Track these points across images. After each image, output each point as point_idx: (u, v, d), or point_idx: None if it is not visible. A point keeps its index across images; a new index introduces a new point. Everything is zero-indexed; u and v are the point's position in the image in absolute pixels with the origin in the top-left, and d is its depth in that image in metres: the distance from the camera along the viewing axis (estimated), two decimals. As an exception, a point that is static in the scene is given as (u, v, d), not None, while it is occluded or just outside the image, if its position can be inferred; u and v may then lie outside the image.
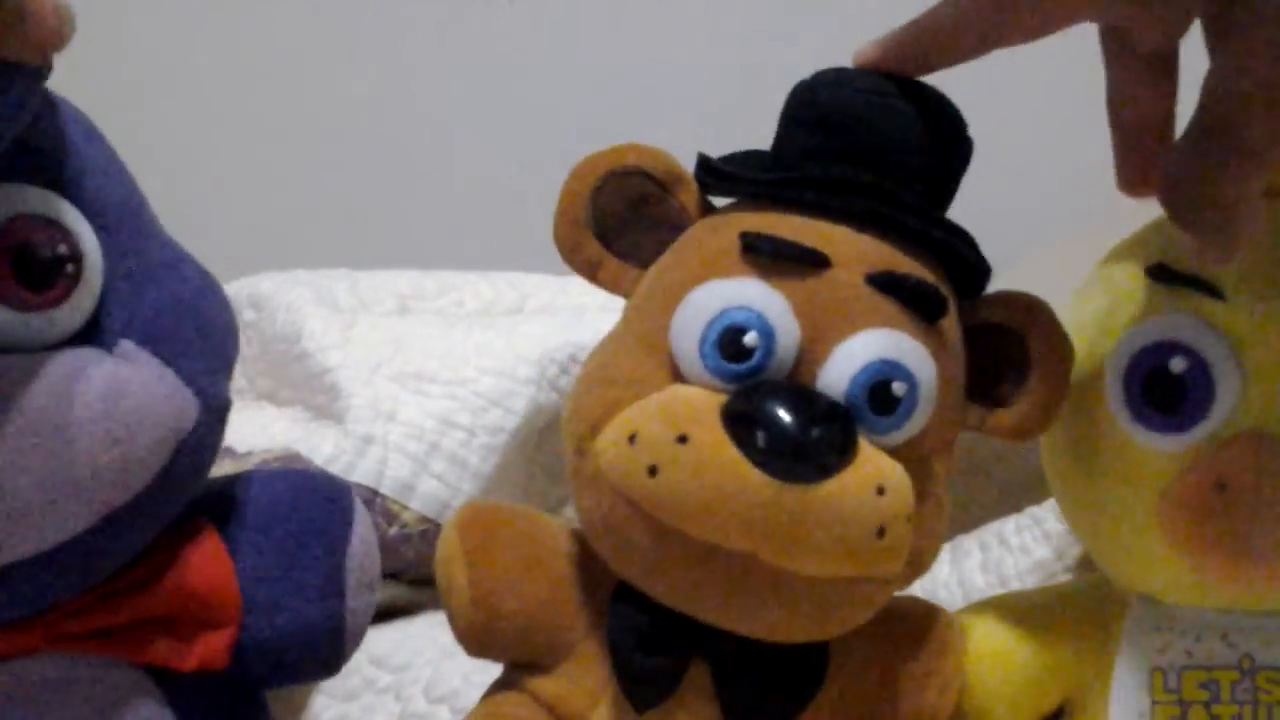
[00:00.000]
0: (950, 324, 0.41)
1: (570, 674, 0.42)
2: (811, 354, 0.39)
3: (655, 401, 0.39)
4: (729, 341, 0.39)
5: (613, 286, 0.43)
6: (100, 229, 0.38)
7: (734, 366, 0.39)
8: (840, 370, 0.39)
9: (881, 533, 0.38)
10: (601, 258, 0.43)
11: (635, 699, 0.41)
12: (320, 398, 0.70)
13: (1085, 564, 0.57)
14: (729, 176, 0.42)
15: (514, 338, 0.71)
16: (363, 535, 0.44)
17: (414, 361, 0.70)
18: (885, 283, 0.40)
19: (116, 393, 0.37)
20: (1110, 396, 0.43)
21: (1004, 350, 0.42)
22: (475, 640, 0.43)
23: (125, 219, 0.40)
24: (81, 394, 0.36)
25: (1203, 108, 0.38)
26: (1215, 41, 0.40)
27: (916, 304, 0.40)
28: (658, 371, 0.40)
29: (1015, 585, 0.60)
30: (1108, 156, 0.45)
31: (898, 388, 0.39)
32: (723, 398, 0.38)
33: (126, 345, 0.38)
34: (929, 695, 0.43)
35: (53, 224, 0.37)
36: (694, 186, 0.43)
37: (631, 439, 0.38)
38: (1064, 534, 0.58)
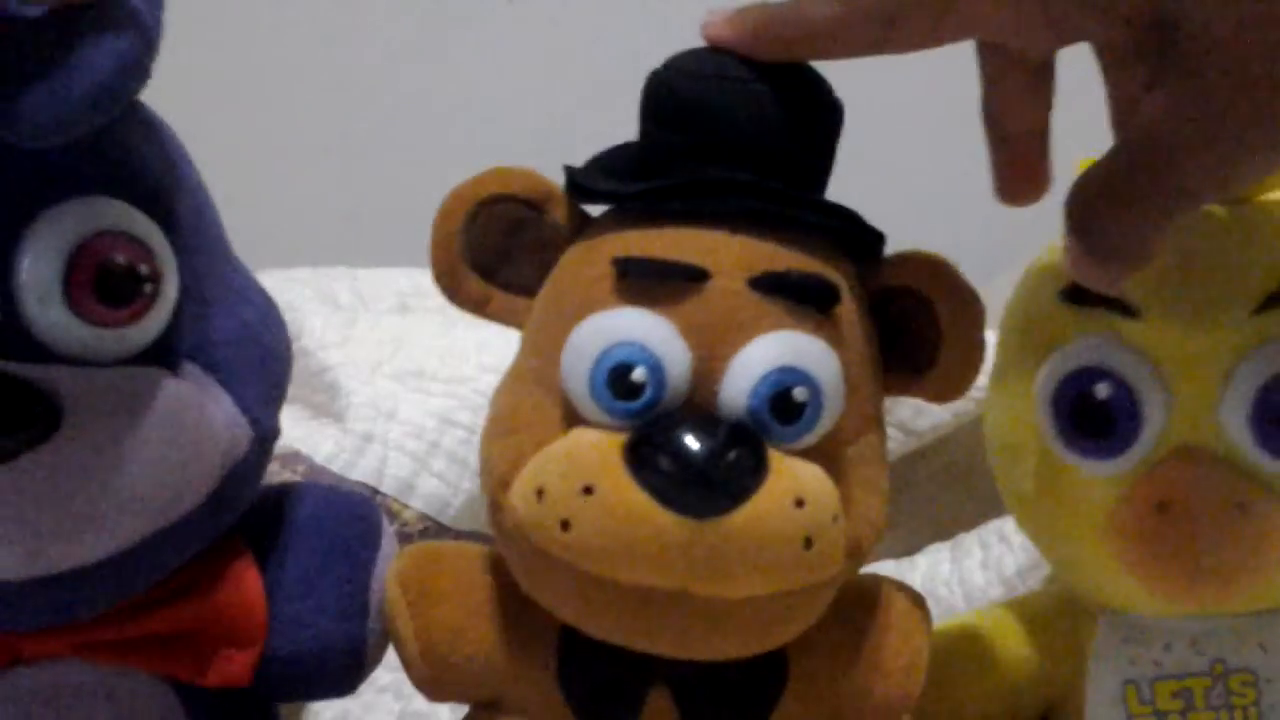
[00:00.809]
0: (847, 307, 0.39)
1: (532, 711, 0.42)
2: (706, 373, 0.38)
3: (557, 451, 0.38)
4: (618, 380, 0.37)
5: (505, 319, 0.42)
6: (179, 250, 0.38)
7: (628, 404, 0.37)
8: (738, 386, 0.38)
9: (809, 543, 0.37)
10: (487, 293, 0.42)
11: None
12: (320, 396, 0.70)
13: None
14: (595, 192, 0.41)
15: (514, 335, 0.70)
16: (388, 555, 0.44)
17: (414, 359, 0.70)
18: (768, 284, 0.38)
19: (177, 415, 0.37)
20: (1042, 426, 0.43)
21: (914, 312, 0.41)
22: (431, 688, 0.42)
23: (204, 242, 0.40)
24: (144, 413, 0.36)
25: (1136, 144, 0.37)
26: (1122, 73, 0.40)
27: (805, 298, 0.38)
28: (555, 412, 0.39)
29: (1016, 583, 0.60)
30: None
31: (799, 393, 0.37)
32: (624, 437, 0.37)
33: (190, 368, 0.38)
34: (895, 677, 0.42)
35: (136, 241, 0.37)
36: (566, 201, 0.41)
37: (539, 494, 0.37)
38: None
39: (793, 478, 0.37)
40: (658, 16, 1.07)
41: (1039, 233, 0.46)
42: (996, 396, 0.46)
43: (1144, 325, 0.41)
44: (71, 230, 0.36)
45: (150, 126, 0.39)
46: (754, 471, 0.37)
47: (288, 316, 0.73)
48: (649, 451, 0.36)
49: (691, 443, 0.36)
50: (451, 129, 1.15)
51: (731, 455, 0.36)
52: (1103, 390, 0.41)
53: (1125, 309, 0.42)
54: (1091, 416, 0.42)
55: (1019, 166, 0.43)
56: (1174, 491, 0.40)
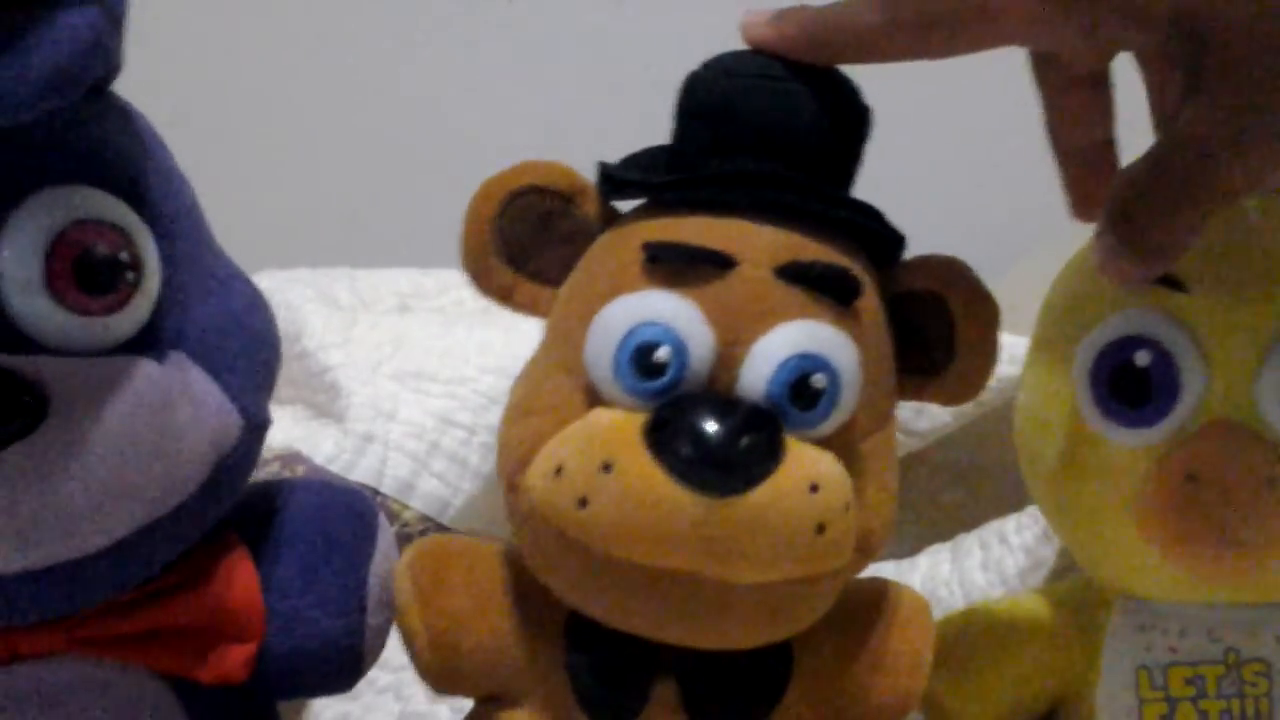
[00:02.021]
0: (868, 302, 0.40)
1: (538, 704, 0.42)
2: (728, 357, 0.38)
3: (577, 430, 0.38)
4: (642, 359, 0.38)
5: (530, 309, 0.43)
6: (160, 238, 0.38)
7: (650, 384, 0.38)
8: (758, 370, 0.38)
9: (821, 529, 0.37)
10: (514, 282, 0.42)
11: None
12: (320, 396, 0.70)
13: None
14: (627, 184, 0.42)
15: (514, 335, 0.70)
16: (385, 551, 0.44)
17: (414, 360, 0.70)
18: (793, 273, 0.39)
19: (165, 404, 0.37)
20: (1079, 396, 0.43)
21: (930, 316, 0.42)
22: (438, 679, 0.42)
23: (184, 230, 0.40)
24: (131, 402, 0.36)
25: (1173, 147, 0.38)
26: (1162, 78, 0.40)
27: (828, 289, 0.39)
28: (577, 395, 0.40)
29: (1016, 584, 0.60)
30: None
31: (818, 380, 0.38)
32: (644, 417, 0.38)
33: (176, 357, 0.38)
34: (899, 676, 0.42)
35: (117, 230, 0.37)
36: (596, 196, 0.42)
37: (558, 472, 0.38)
38: (1065, 532, 0.58)
39: (808, 463, 0.38)
40: (659, 17, 1.07)
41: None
42: (1031, 372, 0.47)
43: (1190, 299, 0.42)
44: (50, 219, 0.35)
45: (124, 116, 0.39)
46: (770, 455, 0.37)
47: (288, 316, 0.73)
48: (668, 432, 0.37)
49: (709, 424, 0.37)
50: (452, 129, 1.14)
51: (748, 438, 0.37)
52: (1143, 358, 0.42)
53: (1174, 283, 0.42)
54: (1130, 384, 0.42)
55: (1089, 183, 0.44)
56: (1205, 463, 0.40)
